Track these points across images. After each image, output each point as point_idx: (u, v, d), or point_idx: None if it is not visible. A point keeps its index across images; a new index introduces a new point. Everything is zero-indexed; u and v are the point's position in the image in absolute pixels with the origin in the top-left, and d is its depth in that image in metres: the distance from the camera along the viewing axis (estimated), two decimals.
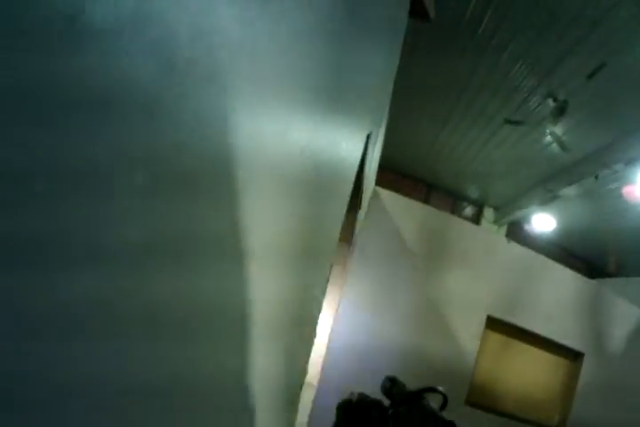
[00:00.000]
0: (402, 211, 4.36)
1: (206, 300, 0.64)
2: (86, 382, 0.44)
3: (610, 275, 10.94)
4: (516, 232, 10.91)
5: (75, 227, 0.38)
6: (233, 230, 0.70)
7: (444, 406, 1.86)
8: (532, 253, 5.05)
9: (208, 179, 0.60)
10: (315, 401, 3.75)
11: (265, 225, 0.85)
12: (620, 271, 10.96)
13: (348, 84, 1.53)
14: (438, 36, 6.04)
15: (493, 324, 4.55)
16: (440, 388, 1.87)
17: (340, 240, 3.38)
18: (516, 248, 5.01)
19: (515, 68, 6.31)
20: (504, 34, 5.73)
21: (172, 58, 0.49)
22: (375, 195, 4.29)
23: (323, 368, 3.82)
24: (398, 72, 3.76)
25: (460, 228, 4.68)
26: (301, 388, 2.07)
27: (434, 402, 2.25)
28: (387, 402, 1.97)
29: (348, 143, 1.85)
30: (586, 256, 11.71)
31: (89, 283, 0.41)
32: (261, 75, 0.70)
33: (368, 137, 2.48)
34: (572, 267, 10.82)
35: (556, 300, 4.86)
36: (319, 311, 2.21)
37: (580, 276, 5.18)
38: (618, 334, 5.19)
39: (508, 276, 4.67)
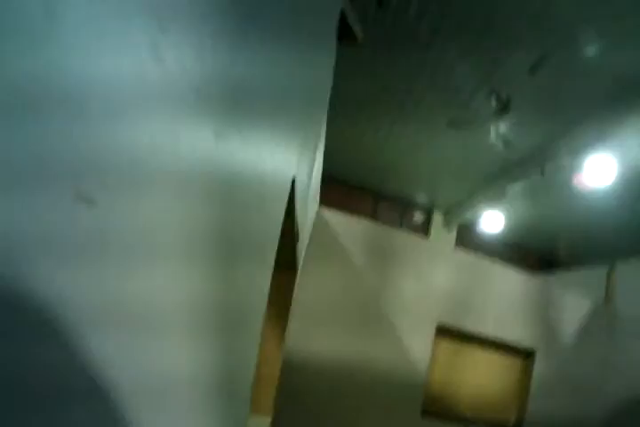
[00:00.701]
0: (347, 229, 4.42)
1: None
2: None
3: (563, 265, 11.23)
4: (467, 235, 11.08)
5: None
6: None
7: None
8: (476, 257, 5.16)
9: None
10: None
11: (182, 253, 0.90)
12: (573, 261, 11.24)
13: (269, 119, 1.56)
14: (380, 41, 6.08)
15: (444, 332, 4.65)
16: None
17: (283, 267, 3.44)
18: (461, 255, 5.12)
19: (457, 69, 6.41)
20: (444, 36, 5.84)
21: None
22: (319, 216, 4.33)
23: (279, 389, 3.83)
24: (339, 84, 3.79)
25: (406, 241, 4.77)
26: (250, 386, 2.06)
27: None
28: None
29: (274, 168, 1.88)
30: (538, 250, 12.04)
31: None
32: (167, 82, 0.75)
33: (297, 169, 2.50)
34: (524, 262, 11.18)
35: (503, 301, 4.98)
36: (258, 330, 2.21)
37: (526, 274, 5.30)
38: (568, 328, 5.33)
39: (455, 282, 4.77)
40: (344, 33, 3.40)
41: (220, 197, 1.16)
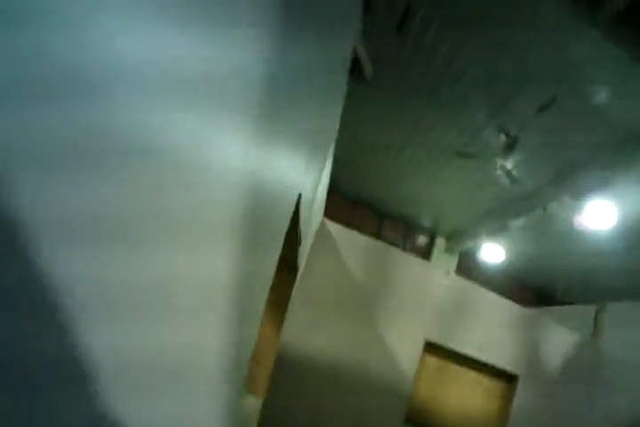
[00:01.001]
0: (348, 241, 4.65)
1: None
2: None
3: (559, 302, 11.30)
4: (467, 262, 11.15)
5: None
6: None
7: None
8: (469, 283, 5.36)
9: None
10: (265, 410, 3.95)
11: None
12: (570, 299, 11.31)
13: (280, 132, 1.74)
14: (396, 68, 6.34)
15: (431, 348, 4.83)
16: None
17: (286, 267, 3.69)
18: (455, 280, 5.32)
19: (469, 103, 6.62)
20: (459, 67, 6.04)
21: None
22: (322, 227, 4.56)
23: (272, 378, 4.04)
24: (354, 103, 4.00)
25: (403, 259, 4.97)
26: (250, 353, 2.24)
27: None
28: None
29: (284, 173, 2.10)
30: (535, 285, 12.08)
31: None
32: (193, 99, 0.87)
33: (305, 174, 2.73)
34: (521, 295, 11.27)
35: (492, 327, 5.15)
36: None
37: (515, 305, 5.47)
38: (553, 359, 5.48)
39: (447, 304, 4.96)
40: (355, 67, 3.70)
41: (244, 200, 1.36)
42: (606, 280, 9.81)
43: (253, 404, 3.65)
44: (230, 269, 1.41)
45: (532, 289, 12.15)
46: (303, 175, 2.69)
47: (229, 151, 1.13)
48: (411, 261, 5.02)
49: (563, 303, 10.79)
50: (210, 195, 1.06)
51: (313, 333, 4.27)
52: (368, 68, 3.82)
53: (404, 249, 10.38)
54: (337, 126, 3.83)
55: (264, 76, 1.25)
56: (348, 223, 9.05)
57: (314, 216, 3.83)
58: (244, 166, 1.29)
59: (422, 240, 11.13)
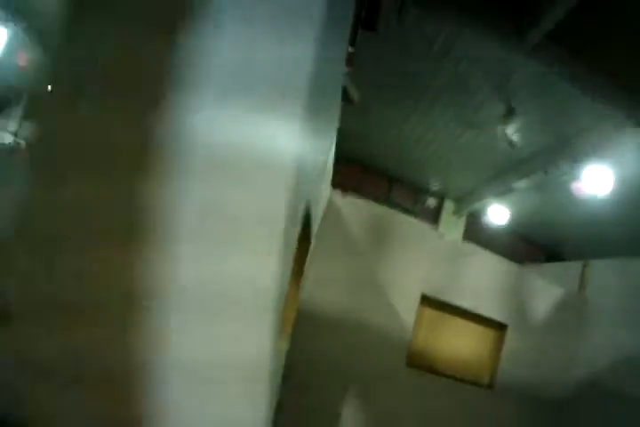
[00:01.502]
0: (352, 210, 5.32)
1: None
2: None
3: (564, 258, 11.76)
4: (475, 223, 11.54)
5: None
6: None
7: None
8: (463, 243, 6.01)
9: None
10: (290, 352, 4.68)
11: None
12: (573, 254, 11.71)
13: None
14: (398, 52, 6.79)
15: (427, 301, 5.53)
16: None
17: (301, 238, 4.39)
18: (450, 240, 5.96)
19: (472, 72, 6.96)
20: (459, 52, 6.45)
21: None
22: (330, 202, 5.24)
23: (294, 326, 4.76)
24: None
25: (404, 224, 5.62)
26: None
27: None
28: None
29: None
30: (541, 243, 12.50)
31: None
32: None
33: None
34: (528, 254, 11.75)
35: (483, 281, 5.78)
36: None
37: (505, 260, 6.05)
38: (538, 310, 6.11)
39: (441, 262, 5.61)
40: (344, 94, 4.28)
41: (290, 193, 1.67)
42: (605, 236, 10.21)
43: (282, 346, 4.34)
44: (281, 241, 1.81)
45: (539, 247, 12.59)
46: (314, 161, 3.23)
47: (284, 146, 1.41)
48: (409, 224, 5.66)
49: (569, 260, 11.23)
50: (269, 188, 1.38)
51: (325, 290, 5.01)
52: (354, 94, 4.39)
53: (414, 213, 10.86)
54: (339, 113, 4.38)
55: (309, 79, 1.52)
56: (359, 189, 9.59)
57: (322, 195, 4.46)
58: (294, 165, 1.55)
59: (431, 203, 11.54)
